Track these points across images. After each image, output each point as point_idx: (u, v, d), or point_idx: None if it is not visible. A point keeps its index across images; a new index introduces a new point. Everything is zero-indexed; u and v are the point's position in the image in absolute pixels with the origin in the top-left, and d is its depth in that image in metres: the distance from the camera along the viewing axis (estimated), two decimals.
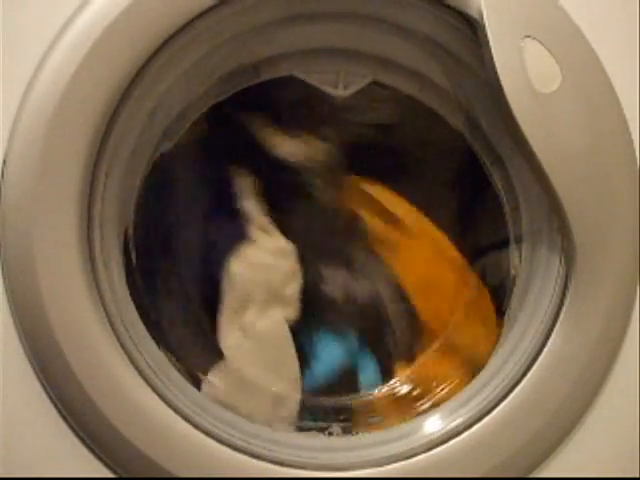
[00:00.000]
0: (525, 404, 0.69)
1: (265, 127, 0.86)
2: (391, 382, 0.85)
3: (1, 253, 0.66)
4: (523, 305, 0.75)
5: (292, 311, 0.84)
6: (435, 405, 0.76)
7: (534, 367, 0.69)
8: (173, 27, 0.66)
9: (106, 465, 0.67)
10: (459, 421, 0.70)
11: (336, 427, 0.78)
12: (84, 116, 0.65)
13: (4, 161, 0.66)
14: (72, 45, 0.65)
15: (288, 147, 0.86)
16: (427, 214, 0.89)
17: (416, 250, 0.89)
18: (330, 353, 0.87)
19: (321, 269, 0.87)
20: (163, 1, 0.66)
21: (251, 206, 0.85)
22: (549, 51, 0.67)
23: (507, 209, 0.80)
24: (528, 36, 0.67)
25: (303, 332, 0.85)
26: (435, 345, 0.86)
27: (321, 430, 0.78)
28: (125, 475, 0.67)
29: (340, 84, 0.81)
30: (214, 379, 0.80)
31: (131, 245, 0.76)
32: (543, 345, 0.70)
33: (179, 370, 0.73)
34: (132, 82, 0.66)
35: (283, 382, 0.82)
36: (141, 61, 0.66)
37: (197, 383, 0.77)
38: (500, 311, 0.78)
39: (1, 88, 0.66)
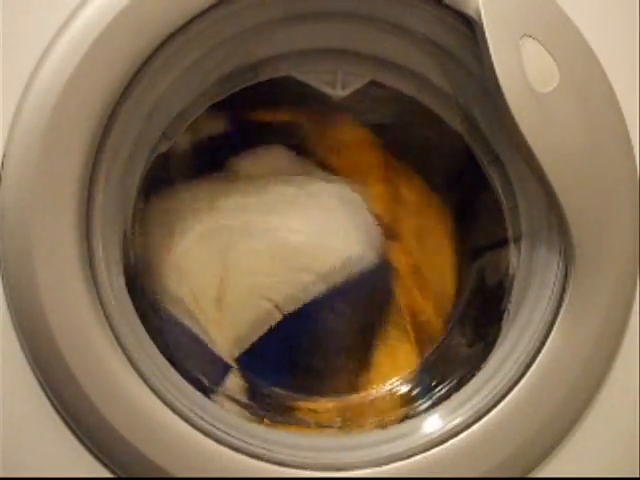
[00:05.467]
0: (524, 403, 0.69)
1: None
2: (390, 381, 0.85)
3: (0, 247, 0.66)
4: (522, 304, 0.75)
5: None
6: (434, 404, 0.76)
7: (533, 366, 0.69)
8: (172, 27, 0.66)
9: (104, 465, 0.67)
10: (458, 421, 0.69)
11: (335, 426, 0.79)
12: (83, 115, 0.65)
13: (4, 154, 0.66)
14: (71, 44, 0.65)
15: None
16: (425, 214, 0.90)
17: None
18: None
19: None
20: (162, 1, 0.66)
21: None
22: (547, 50, 0.67)
23: (505, 208, 0.80)
24: (526, 35, 0.67)
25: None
26: None
27: (320, 429, 0.78)
28: (124, 475, 0.67)
29: (338, 84, 0.81)
30: None
31: (130, 245, 0.76)
32: (542, 344, 0.69)
33: (178, 370, 0.73)
34: (131, 82, 0.66)
35: None
36: (140, 61, 0.66)
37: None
38: (499, 310, 0.78)
39: (1, 85, 0.66)
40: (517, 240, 0.79)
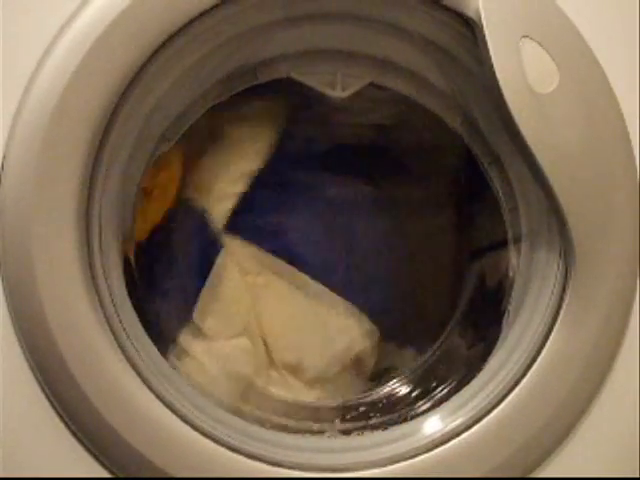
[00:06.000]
0: (525, 404, 0.69)
1: None
2: (391, 382, 0.85)
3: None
4: (522, 306, 0.75)
5: None
6: (435, 406, 0.76)
7: (533, 367, 0.69)
8: (172, 28, 0.66)
9: (103, 465, 0.67)
10: (459, 421, 0.69)
11: (336, 428, 0.79)
12: (83, 116, 0.65)
13: (4, 155, 0.66)
14: (71, 45, 0.65)
15: None
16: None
17: None
18: None
19: None
20: (162, 2, 0.66)
21: None
22: (547, 51, 0.67)
23: (505, 209, 0.80)
24: (526, 36, 0.67)
25: None
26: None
27: (321, 431, 0.78)
28: (122, 475, 0.67)
29: (338, 85, 0.81)
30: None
31: (129, 247, 0.76)
32: (542, 345, 0.69)
33: (177, 370, 0.73)
34: (131, 83, 0.66)
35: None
36: (140, 62, 0.66)
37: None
38: (499, 311, 0.78)
39: (1, 86, 0.66)
40: (517, 241, 0.79)
